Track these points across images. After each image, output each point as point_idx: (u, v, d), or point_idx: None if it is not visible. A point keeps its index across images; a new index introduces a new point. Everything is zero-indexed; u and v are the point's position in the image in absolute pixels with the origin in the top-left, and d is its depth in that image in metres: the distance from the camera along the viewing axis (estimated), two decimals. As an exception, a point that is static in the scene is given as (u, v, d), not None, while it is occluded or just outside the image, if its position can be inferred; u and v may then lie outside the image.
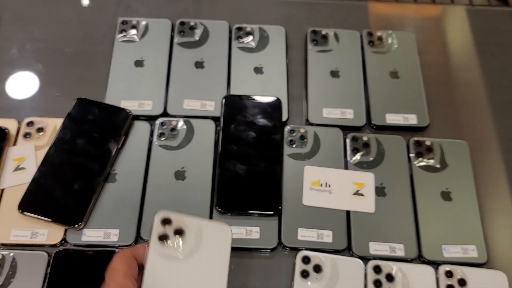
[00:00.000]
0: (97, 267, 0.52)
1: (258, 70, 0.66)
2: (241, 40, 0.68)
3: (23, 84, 0.66)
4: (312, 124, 0.63)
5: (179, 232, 0.43)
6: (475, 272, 0.54)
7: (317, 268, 0.52)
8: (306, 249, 0.54)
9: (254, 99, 0.62)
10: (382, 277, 0.53)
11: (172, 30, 0.69)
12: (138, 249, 0.43)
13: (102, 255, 0.53)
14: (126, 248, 0.47)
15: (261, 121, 0.61)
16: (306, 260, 0.53)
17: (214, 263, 0.43)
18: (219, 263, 0.43)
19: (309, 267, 0.52)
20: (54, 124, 0.60)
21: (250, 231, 0.55)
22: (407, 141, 0.62)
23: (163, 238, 0.42)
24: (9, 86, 0.66)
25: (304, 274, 0.52)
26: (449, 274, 0.53)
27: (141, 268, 0.42)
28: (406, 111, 0.64)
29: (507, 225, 0.59)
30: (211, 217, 0.56)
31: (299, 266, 0.53)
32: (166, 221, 0.43)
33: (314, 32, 0.70)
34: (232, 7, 0.73)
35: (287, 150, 0.60)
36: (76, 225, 0.54)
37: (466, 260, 0.55)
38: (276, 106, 0.62)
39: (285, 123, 0.62)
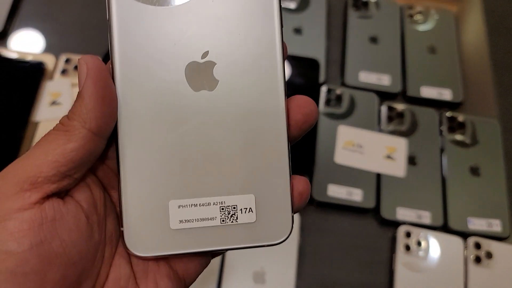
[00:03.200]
0: None
1: (297, 31, 0.66)
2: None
3: None
4: (348, 86, 0.63)
5: None
6: (502, 247, 0.54)
7: None
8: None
9: (291, 60, 0.62)
10: (412, 243, 0.54)
11: None
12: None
13: None
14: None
15: (297, 80, 0.61)
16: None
17: None
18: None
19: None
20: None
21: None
22: (439, 115, 0.62)
23: None
24: None
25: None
26: (477, 246, 0.54)
27: None
28: (441, 85, 0.64)
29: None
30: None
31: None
32: None
33: (355, -2, 0.70)
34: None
35: (323, 109, 0.61)
36: None
37: (490, 234, 0.55)
38: (314, 66, 0.62)
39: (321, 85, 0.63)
